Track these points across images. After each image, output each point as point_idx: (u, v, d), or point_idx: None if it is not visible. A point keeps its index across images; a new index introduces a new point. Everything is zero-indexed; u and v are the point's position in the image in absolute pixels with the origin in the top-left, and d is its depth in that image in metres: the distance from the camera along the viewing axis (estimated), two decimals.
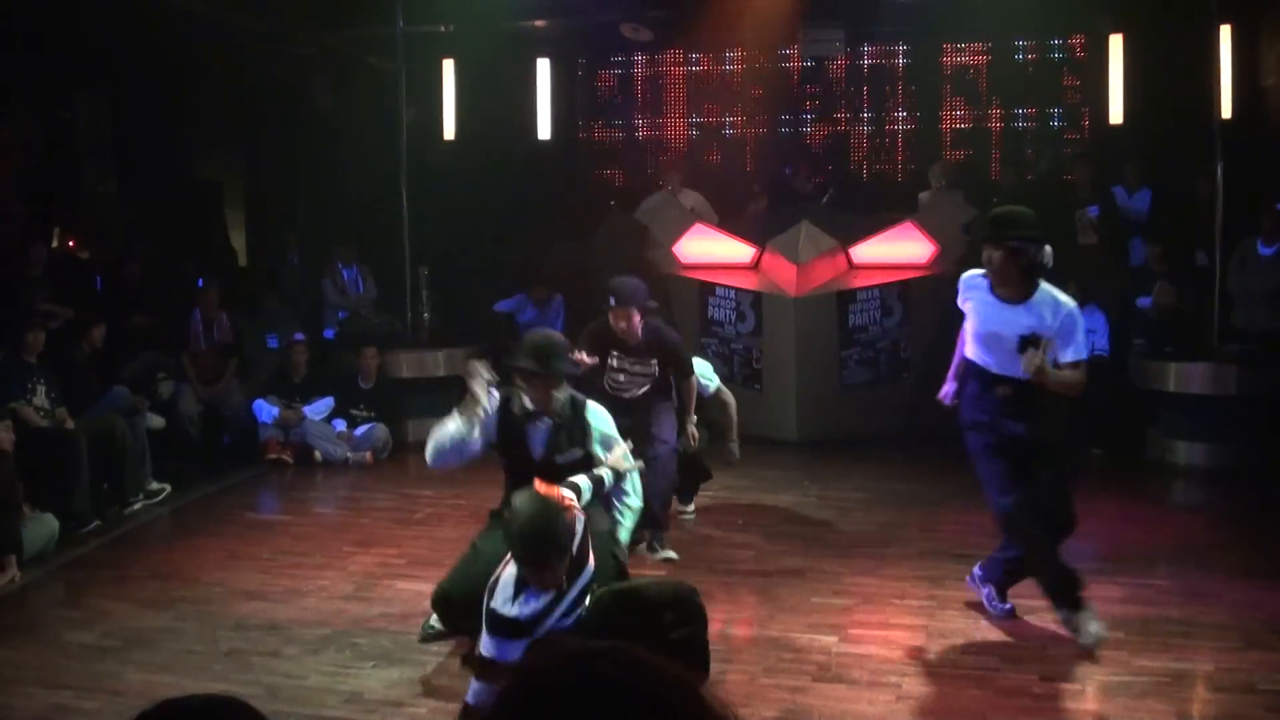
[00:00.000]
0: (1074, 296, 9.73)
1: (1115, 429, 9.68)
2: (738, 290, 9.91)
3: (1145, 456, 9.60)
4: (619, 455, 5.50)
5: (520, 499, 4.48)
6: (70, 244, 11.68)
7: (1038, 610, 5.99)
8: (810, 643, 5.61)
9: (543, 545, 4.34)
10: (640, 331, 6.91)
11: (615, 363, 7.01)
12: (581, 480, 5.18)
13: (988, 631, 5.72)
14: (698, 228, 10.54)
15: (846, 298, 9.72)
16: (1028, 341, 5.40)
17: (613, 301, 6.80)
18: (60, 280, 10.06)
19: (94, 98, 12.39)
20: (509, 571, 4.47)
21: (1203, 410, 9.22)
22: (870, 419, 8.53)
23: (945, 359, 9.77)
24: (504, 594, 4.41)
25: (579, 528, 4.55)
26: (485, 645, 4.44)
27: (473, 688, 4.54)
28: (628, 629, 4.45)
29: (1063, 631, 5.67)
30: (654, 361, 7.01)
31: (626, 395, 6.97)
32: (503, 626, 4.38)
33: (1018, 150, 13.10)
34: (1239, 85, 9.79)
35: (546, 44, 12.63)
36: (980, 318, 5.59)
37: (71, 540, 7.44)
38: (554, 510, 4.42)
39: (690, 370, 7.11)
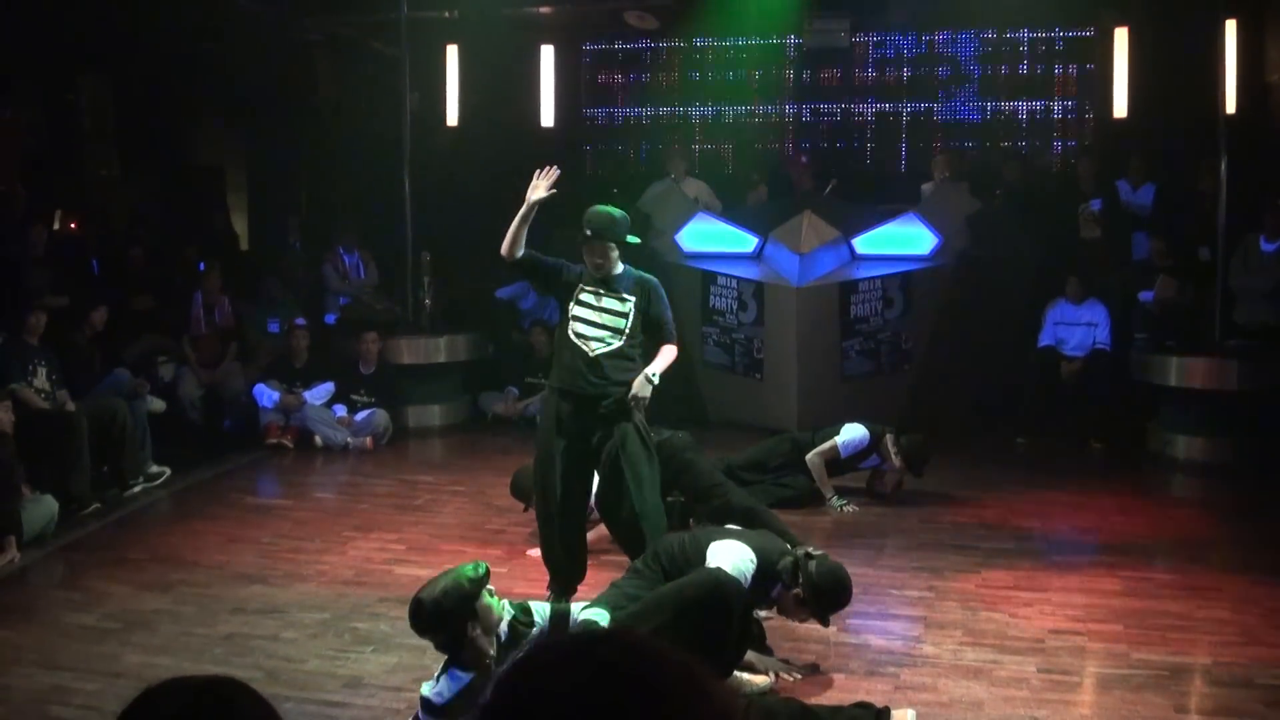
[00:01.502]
0: (1075, 290, 9.88)
1: (1116, 422, 9.69)
2: (740, 279, 9.89)
3: (1145, 450, 9.61)
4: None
5: (431, 582, 4.35)
6: (72, 226, 11.67)
7: (1036, 603, 6.00)
8: (808, 632, 5.60)
9: (435, 622, 4.22)
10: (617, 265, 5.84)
11: (583, 296, 5.76)
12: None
13: (986, 623, 5.73)
14: (700, 216, 10.53)
15: (848, 288, 9.71)
16: None
17: (586, 233, 5.75)
18: (61, 263, 10.05)
19: (97, 80, 12.37)
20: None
21: (1203, 405, 9.22)
22: (871, 410, 8.53)
23: (946, 350, 9.86)
24: (430, 678, 4.36)
25: (501, 609, 4.38)
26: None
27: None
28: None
29: (1062, 624, 5.68)
30: (630, 301, 5.78)
31: (593, 351, 5.71)
32: (422, 703, 4.30)
33: (1021, 142, 13.06)
34: (1244, 80, 9.78)
35: (550, 30, 12.60)
36: None
37: (71, 522, 7.45)
38: (460, 585, 4.24)
39: (673, 333, 5.92)
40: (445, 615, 4.21)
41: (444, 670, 4.33)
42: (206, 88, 13.11)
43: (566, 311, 5.79)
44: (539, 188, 5.77)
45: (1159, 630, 5.59)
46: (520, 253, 5.73)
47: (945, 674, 5.12)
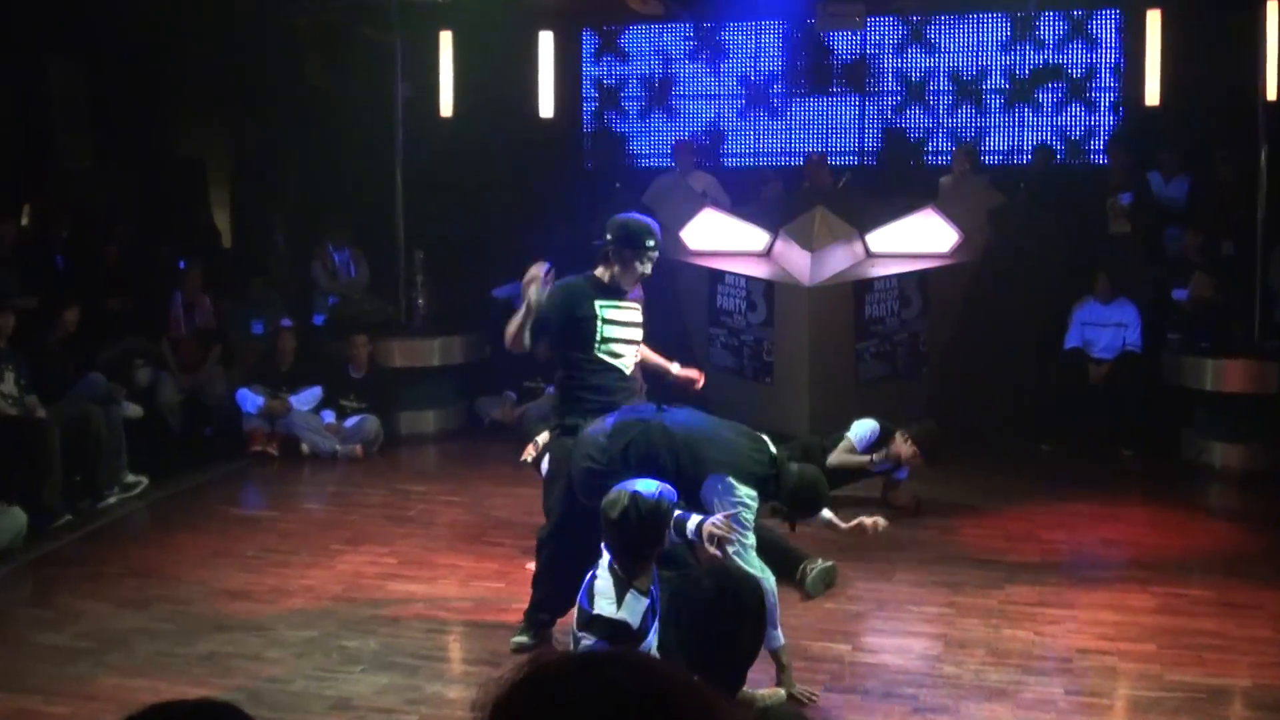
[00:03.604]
0: (1104, 289, 9.86)
1: (1147, 429, 9.67)
2: (749, 278, 9.88)
3: (1179, 458, 9.57)
4: None
5: (619, 493, 4.44)
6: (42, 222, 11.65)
7: (1063, 620, 5.98)
8: (822, 651, 5.60)
9: (648, 522, 4.36)
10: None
11: (609, 314, 5.71)
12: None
13: (1009, 641, 5.71)
14: (707, 212, 10.52)
15: (863, 287, 9.69)
16: None
17: (650, 244, 5.68)
18: (30, 261, 10.04)
19: (68, 66, 12.34)
20: (604, 577, 4.42)
21: (1241, 410, 9.19)
22: (886, 415, 8.52)
23: (967, 353, 9.85)
24: (606, 599, 4.37)
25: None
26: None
27: None
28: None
29: (1091, 642, 5.67)
30: (640, 307, 5.92)
31: (627, 367, 5.80)
32: (611, 630, 4.31)
33: (1047, 132, 13.03)
34: None
35: (549, 16, 12.59)
36: None
37: (41, 535, 7.44)
38: (670, 504, 4.45)
39: None
40: (659, 522, 4.39)
41: (621, 593, 4.35)
42: (186, 76, 13.10)
43: (594, 335, 5.67)
44: (534, 285, 5.59)
45: (1194, 650, 5.58)
46: (528, 343, 5.67)
47: (967, 695, 5.11)
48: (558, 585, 5.64)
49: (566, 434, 5.63)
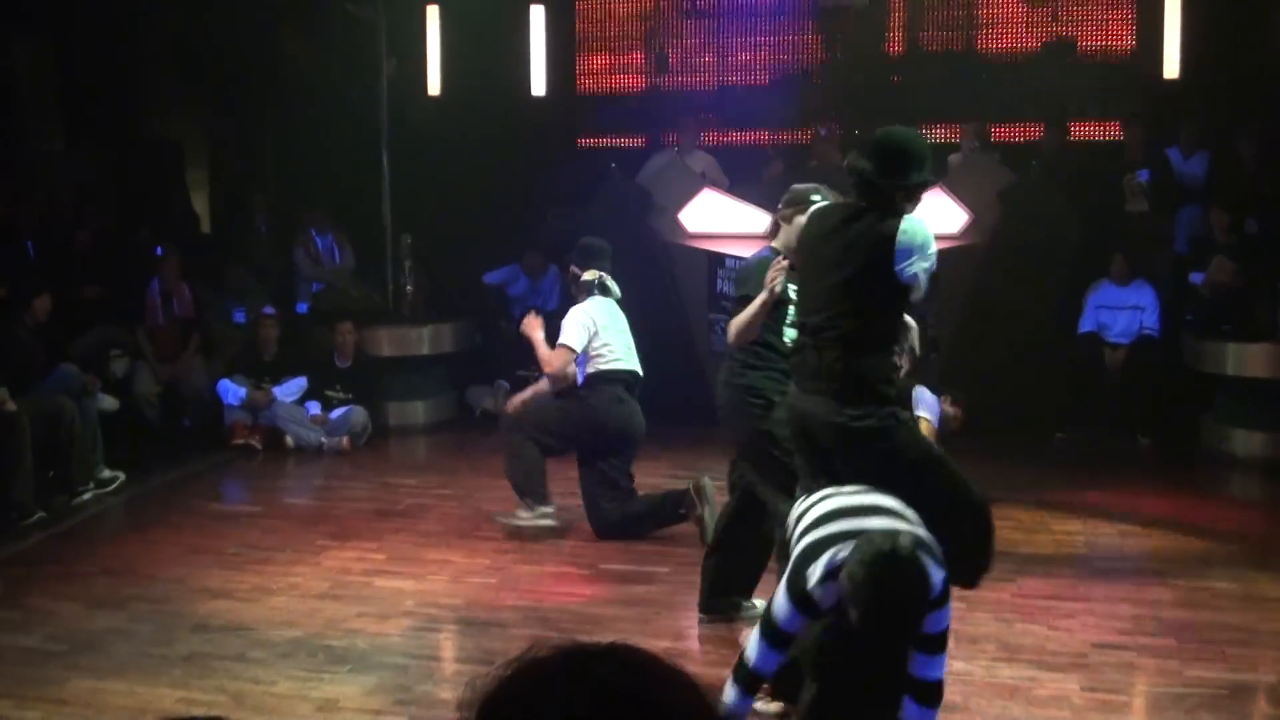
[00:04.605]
0: (1120, 270, 9.82)
1: (1166, 415, 9.66)
2: None
3: (1199, 446, 9.58)
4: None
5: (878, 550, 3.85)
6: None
7: (1079, 614, 5.98)
8: None
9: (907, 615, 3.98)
10: None
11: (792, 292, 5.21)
12: None
13: (1023, 636, 5.71)
14: (707, 193, 10.50)
15: None
16: None
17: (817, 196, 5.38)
18: None
19: (35, 42, 12.29)
20: (835, 549, 4.00)
21: (1264, 395, 9.18)
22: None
23: (976, 338, 9.84)
24: (816, 568, 3.99)
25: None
26: (778, 606, 4.05)
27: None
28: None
29: (1107, 637, 5.66)
30: None
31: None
32: (800, 597, 4.02)
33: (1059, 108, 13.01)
34: None
35: None
36: None
37: (12, 534, 7.44)
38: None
39: None
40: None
41: (827, 576, 3.96)
42: (160, 53, 13.06)
43: (785, 317, 5.32)
44: (781, 274, 5.18)
45: (1216, 645, 5.57)
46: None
47: (978, 692, 5.11)
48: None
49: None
